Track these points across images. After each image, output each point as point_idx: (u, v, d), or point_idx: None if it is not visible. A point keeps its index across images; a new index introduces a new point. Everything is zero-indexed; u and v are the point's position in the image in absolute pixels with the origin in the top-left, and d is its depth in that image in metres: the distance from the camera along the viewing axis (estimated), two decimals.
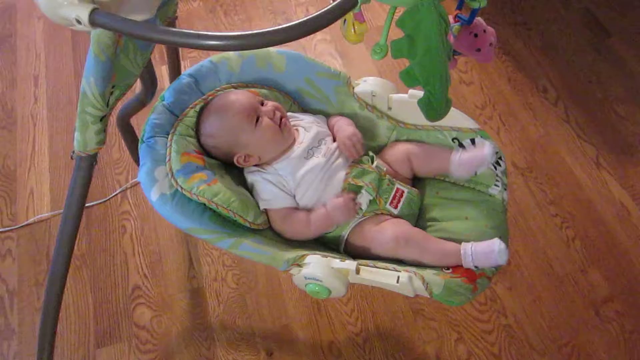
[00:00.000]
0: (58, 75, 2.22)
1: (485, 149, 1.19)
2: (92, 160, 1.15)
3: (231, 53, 1.33)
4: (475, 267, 1.11)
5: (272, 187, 1.22)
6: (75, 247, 1.28)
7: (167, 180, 1.14)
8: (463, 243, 1.13)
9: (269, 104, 1.26)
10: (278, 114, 1.25)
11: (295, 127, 1.29)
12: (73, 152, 1.13)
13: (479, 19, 1.23)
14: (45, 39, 2.33)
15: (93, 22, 0.85)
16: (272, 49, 1.34)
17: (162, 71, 2.16)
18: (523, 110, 2.05)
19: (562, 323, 1.61)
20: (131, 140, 1.63)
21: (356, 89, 1.33)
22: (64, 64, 2.25)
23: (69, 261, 1.30)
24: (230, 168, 1.27)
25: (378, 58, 1.05)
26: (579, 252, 1.73)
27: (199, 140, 1.26)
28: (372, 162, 1.26)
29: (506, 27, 2.28)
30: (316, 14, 0.80)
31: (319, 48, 2.26)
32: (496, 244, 1.10)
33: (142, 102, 1.51)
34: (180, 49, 1.68)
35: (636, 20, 2.28)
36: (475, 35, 1.23)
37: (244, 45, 0.80)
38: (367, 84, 1.33)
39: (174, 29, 0.82)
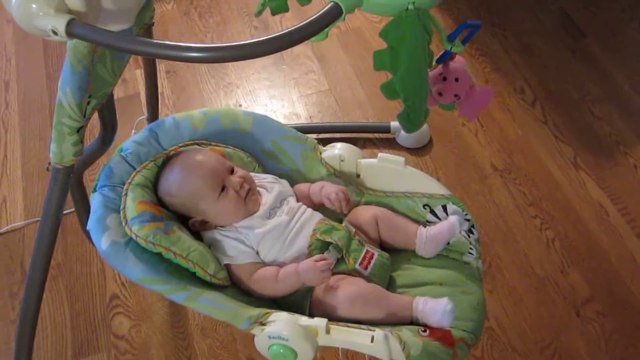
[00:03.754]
0: (29, 80, 2.17)
1: (451, 218, 1.17)
2: (69, 171, 1.12)
3: (195, 111, 1.29)
4: (424, 323, 1.07)
5: (235, 243, 1.16)
6: None
7: (121, 228, 1.08)
8: (417, 296, 1.09)
9: (238, 174, 1.20)
10: (246, 187, 1.18)
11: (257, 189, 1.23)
12: (49, 163, 1.11)
13: (464, 70, 1.16)
14: (16, 43, 2.29)
15: (70, 34, 0.83)
16: (238, 110, 1.31)
17: (137, 75, 2.13)
18: (501, 112, 2.05)
19: (543, 325, 1.61)
20: (80, 198, 1.53)
21: (324, 154, 1.30)
22: (35, 69, 2.20)
23: (46, 274, 1.28)
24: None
25: (257, 14, 1.08)
26: (559, 253, 1.74)
27: (156, 194, 1.19)
28: (341, 223, 1.22)
29: (482, 28, 2.27)
30: (302, 24, 0.79)
31: (296, 50, 2.24)
32: (443, 304, 1.05)
33: (101, 146, 1.44)
34: None
35: (610, 20, 2.30)
36: (444, 79, 1.17)
37: (226, 57, 0.78)
38: (334, 149, 1.30)
39: (154, 41, 0.80)
